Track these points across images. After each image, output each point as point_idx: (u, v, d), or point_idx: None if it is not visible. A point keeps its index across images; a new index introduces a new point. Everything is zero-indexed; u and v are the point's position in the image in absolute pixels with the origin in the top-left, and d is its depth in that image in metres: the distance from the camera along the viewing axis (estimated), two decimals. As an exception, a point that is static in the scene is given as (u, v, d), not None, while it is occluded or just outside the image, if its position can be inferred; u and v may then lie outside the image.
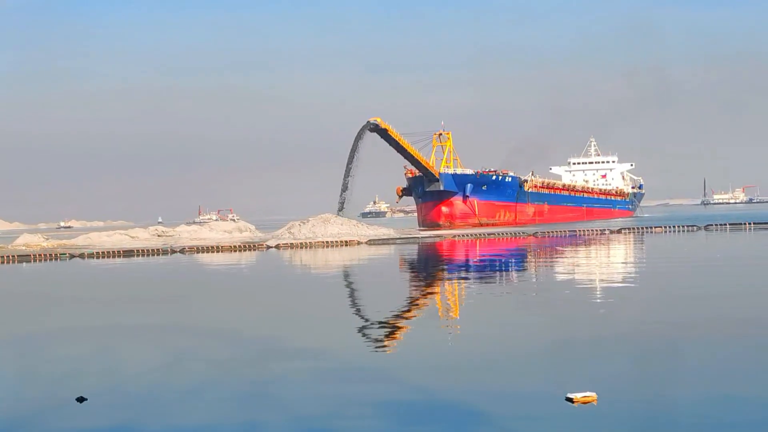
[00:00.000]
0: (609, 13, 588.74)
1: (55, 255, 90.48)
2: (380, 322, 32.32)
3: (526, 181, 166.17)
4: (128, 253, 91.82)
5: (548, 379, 20.86)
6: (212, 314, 37.40)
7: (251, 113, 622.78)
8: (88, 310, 41.27)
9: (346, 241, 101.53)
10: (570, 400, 18.24)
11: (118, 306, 42.38)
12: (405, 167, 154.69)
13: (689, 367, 22.04)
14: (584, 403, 18.11)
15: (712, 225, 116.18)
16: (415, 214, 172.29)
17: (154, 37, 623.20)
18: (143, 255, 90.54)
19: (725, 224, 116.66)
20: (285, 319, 34.85)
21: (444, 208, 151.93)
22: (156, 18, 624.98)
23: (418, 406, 19.04)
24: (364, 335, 29.46)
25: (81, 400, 19.91)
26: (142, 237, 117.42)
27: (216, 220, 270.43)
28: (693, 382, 20.23)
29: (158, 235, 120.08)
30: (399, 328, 31.28)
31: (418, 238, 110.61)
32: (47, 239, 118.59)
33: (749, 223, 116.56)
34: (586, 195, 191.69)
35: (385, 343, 27.53)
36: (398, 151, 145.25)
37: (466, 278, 51.43)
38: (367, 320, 33.76)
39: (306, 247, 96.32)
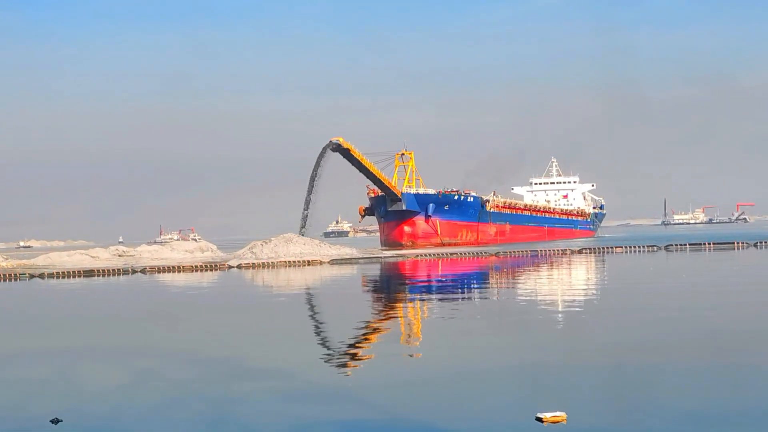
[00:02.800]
0: (574, 34, 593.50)
1: (15, 275, 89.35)
2: (343, 342, 32.13)
3: (487, 201, 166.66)
4: (89, 273, 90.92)
5: (517, 399, 20.78)
6: (174, 335, 37.05)
7: (213, 133, 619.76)
8: (48, 331, 40.74)
9: (308, 261, 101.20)
10: (540, 419, 18.18)
11: (78, 327, 41.88)
12: (367, 187, 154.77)
13: (659, 386, 22.02)
14: (554, 422, 18.04)
15: (672, 245, 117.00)
16: (378, 234, 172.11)
17: (115, 59, 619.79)
18: (104, 275, 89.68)
19: (685, 244, 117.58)
20: (247, 339, 34.55)
21: (406, 228, 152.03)
22: (119, 39, 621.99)
23: (383, 426, 18.87)
24: (326, 355, 29.27)
25: (56, 421, 19.55)
26: (103, 257, 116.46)
27: (177, 240, 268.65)
28: (663, 401, 20.21)
29: (119, 255, 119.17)
30: (362, 348, 31.10)
31: (380, 257, 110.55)
32: (6, 259, 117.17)
33: (709, 243, 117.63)
34: (547, 215, 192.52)
35: (348, 363, 27.36)
36: (361, 171, 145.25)
37: (429, 298, 51.36)
38: (329, 340, 33.57)
39: (268, 267, 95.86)
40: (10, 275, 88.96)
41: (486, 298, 50.82)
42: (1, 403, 22.87)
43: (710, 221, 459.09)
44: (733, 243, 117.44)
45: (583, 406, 19.61)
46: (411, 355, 28.78)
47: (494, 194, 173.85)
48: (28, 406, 22.04)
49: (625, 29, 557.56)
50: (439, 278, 71.61)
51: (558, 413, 18.30)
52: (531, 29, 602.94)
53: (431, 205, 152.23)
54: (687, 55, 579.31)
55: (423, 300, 50.26)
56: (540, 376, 23.79)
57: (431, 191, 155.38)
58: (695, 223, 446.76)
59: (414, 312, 43.68)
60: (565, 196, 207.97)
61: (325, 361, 27.63)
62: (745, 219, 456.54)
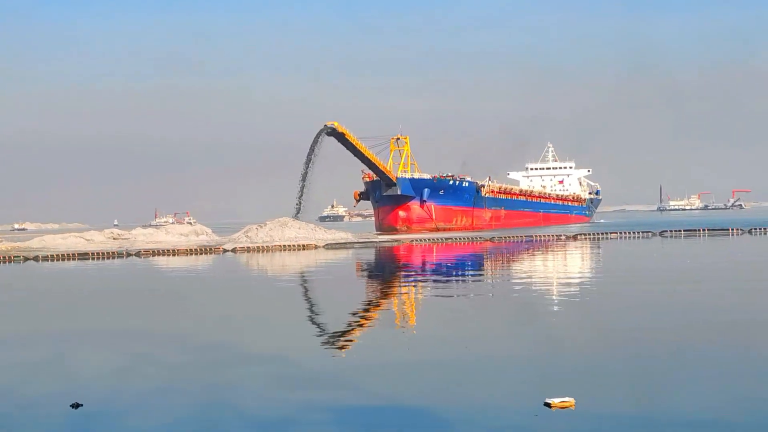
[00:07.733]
0: (568, 20, 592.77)
1: (9, 257, 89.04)
2: (338, 327, 31.79)
3: (483, 186, 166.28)
4: (83, 256, 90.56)
5: (525, 384, 20.44)
6: (168, 319, 36.67)
7: (208, 116, 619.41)
8: (41, 314, 40.43)
9: (303, 245, 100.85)
10: (548, 405, 17.88)
11: (72, 310, 41.54)
12: (363, 171, 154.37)
13: (666, 371, 21.68)
14: (562, 408, 17.75)
15: (667, 231, 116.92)
16: (373, 219, 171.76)
17: (109, 40, 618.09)
18: (98, 258, 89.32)
19: (680, 230, 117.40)
20: (242, 323, 34.20)
21: (401, 213, 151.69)
22: (112, 21, 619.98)
23: (382, 412, 18.47)
24: (322, 340, 28.90)
25: (76, 406, 19.18)
26: (98, 240, 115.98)
27: (172, 223, 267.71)
28: (670, 386, 19.92)
29: (114, 238, 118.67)
30: (358, 332, 30.71)
31: (375, 242, 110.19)
32: (0, 241, 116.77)
33: (703, 230, 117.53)
34: (543, 200, 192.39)
35: (345, 347, 26.97)
36: (355, 155, 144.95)
37: (424, 283, 51.01)
38: (325, 325, 33.17)
39: (263, 251, 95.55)
40: (4, 258, 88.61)
41: (483, 284, 50.53)
42: (3, 386, 22.44)
43: (706, 207, 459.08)
44: (728, 229, 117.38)
45: (592, 392, 19.29)
46: (409, 340, 28.39)
47: (489, 179, 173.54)
48: (30, 389, 21.64)
49: (631, 13, 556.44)
50: (434, 263, 71.30)
51: (566, 399, 18.02)
52: (529, 12, 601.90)
53: (426, 190, 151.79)
54: (690, 39, 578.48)
55: (418, 284, 49.93)
56: (547, 361, 23.40)
57: (426, 176, 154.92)
58: (691, 210, 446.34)
59: (410, 297, 43.35)
60: (561, 182, 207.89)
61: (322, 346, 27.27)
62: (740, 205, 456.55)
